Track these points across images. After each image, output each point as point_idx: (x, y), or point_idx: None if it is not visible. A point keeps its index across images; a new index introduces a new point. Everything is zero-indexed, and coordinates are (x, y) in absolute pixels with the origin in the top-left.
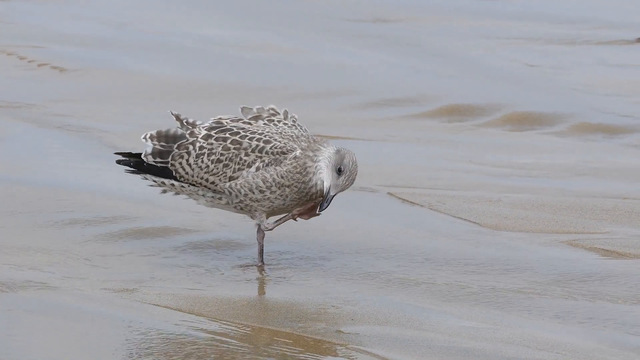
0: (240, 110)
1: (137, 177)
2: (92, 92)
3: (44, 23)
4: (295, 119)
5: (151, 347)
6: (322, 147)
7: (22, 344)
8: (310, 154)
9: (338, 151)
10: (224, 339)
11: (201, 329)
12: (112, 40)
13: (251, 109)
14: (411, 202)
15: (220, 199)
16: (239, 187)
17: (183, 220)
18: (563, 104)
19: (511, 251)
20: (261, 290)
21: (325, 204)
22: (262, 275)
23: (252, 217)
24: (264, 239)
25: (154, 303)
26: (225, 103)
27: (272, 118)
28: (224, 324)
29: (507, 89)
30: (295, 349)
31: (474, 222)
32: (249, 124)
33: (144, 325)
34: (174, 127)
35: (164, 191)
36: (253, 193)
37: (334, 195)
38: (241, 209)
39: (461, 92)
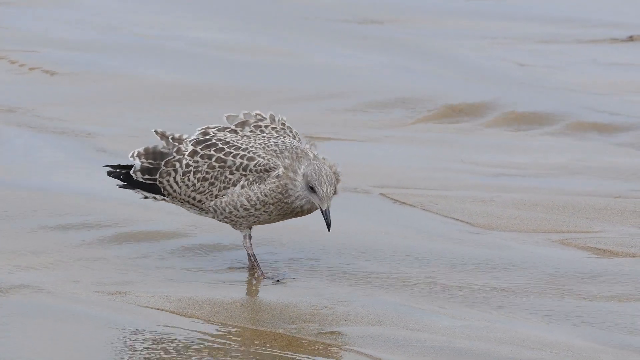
0: (225, 118)
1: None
2: (83, 96)
3: (35, 27)
4: (284, 121)
5: (145, 349)
6: (298, 171)
7: (15, 347)
8: (291, 174)
9: (304, 175)
10: (217, 340)
11: (195, 331)
12: (104, 44)
13: (237, 115)
14: (403, 203)
15: (206, 213)
16: (223, 205)
17: (175, 224)
18: (555, 104)
19: (503, 251)
20: (254, 292)
21: (327, 220)
22: (260, 278)
23: (233, 227)
24: (253, 247)
25: (148, 305)
26: (217, 106)
27: (259, 124)
28: (217, 325)
29: (499, 89)
30: (288, 351)
31: (466, 222)
32: (235, 132)
33: (138, 327)
34: (161, 143)
35: (155, 199)
36: (238, 211)
37: (326, 209)
38: (226, 222)
39: (453, 93)
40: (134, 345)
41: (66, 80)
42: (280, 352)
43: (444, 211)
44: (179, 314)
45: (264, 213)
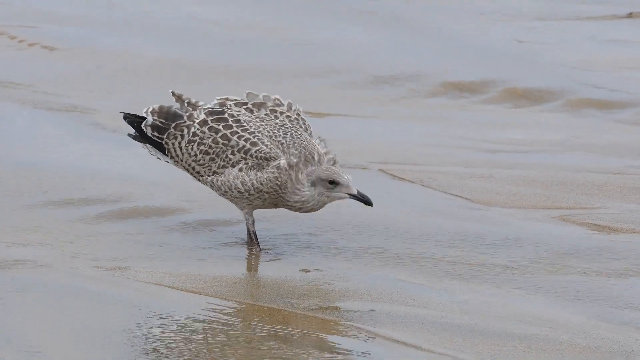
0: (245, 95)
1: (128, 155)
2: (82, 72)
3: (34, 3)
4: (300, 111)
5: (143, 323)
6: (302, 179)
7: (15, 322)
8: (292, 175)
9: (315, 180)
10: (217, 315)
11: (194, 306)
12: (102, 20)
13: (257, 95)
14: (402, 179)
15: (205, 184)
16: (219, 183)
17: (174, 200)
18: (555, 81)
19: (503, 227)
20: (254, 268)
21: (365, 198)
22: (258, 254)
23: (236, 206)
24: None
25: (147, 281)
26: (216, 82)
27: (276, 109)
28: (217, 300)
29: (498, 66)
30: (288, 326)
31: (466, 198)
32: (251, 112)
33: (137, 302)
34: (176, 104)
35: (159, 159)
36: (232, 192)
37: (357, 191)
38: (224, 198)
39: (453, 69)
40: (133, 319)
41: (65, 56)
42: (280, 327)
43: (443, 187)
44: (178, 289)
45: (257, 199)
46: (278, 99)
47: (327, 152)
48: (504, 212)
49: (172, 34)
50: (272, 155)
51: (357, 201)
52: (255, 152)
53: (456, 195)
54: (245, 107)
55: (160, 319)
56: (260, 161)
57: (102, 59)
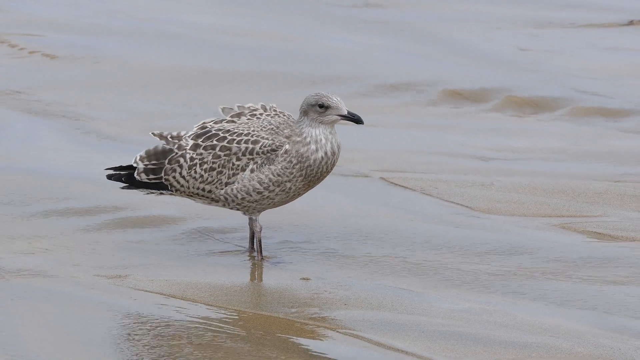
0: (220, 110)
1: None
2: (83, 80)
3: (35, 11)
4: (275, 108)
5: (144, 332)
6: (303, 127)
7: (15, 330)
8: (297, 138)
9: (305, 109)
10: (217, 324)
11: (194, 315)
12: (103, 28)
13: (231, 108)
14: (403, 187)
15: (217, 202)
16: (235, 192)
17: (174, 209)
18: (556, 89)
19: (503, 235)
20: (254, 276)
21: (356, 116)
22: (260, 263)
23: (244, 214)
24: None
25: (147, 289)
26: (216, 90)
27: (254, 112)
28: (216, 309)
29: (501, 74)
30: (288, 334)
31: (466, 207)
32: (233, 122)
33: (137, 310)
34: (161, 143)
35: (162, 194)
36: (250, 196)
37: (348, 111)
38: (238, 209)
39: (454, 77)
40: (134, 328)
41: (66, 64)
42: (280, 336)
43: (443, 195)
44: (178, 298)
45: (280, 193)
46: (252, 106)
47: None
48: (505, 220)
49: (172, 42)
50: (277, 144)
51: (348, 121)
52: (259, 148)
53: (457, 204)
54: (225, 121)
55: (160, 327)
56: (269, 154)
57: (103, 66)
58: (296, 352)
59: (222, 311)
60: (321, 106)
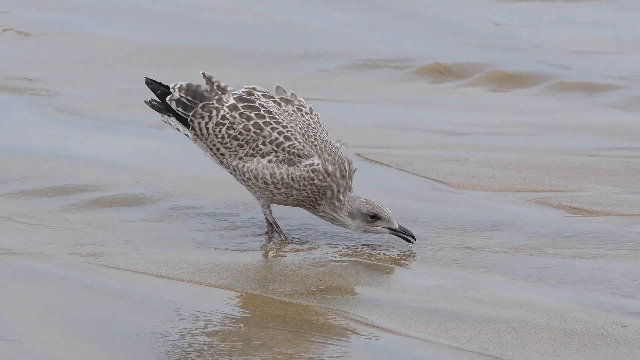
0: (274, 87)
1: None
2: (57, 57)
3: None
4: (319, 118)
5: (119, 309)
6: (344, 203)
7: None
8: (334, 187)
9: (355, 213)
10: (190, 300)
11: (167, 291)
12: (78, 5)
13: (285, 91)
14: (379, 162)
15: (227, 168)
16: (245, 169)
17: (151, 188)
18: (533, 64)
19: (478, 210)
20: (229, 254)
21: (409, 233)
22: (270, 244)
23: (253, 195)
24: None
25: (122, 267)
26: (197, 67)
27: (301, 108)
28: (191, 285)
29: (478, 50)
30: (263, 311)
31: (441, 182)
32: (279, 105)
33: (112, 287)
34: (204, 86)
35: (178, 130)
36: (257, 181)
37: (399, 226)
38: (242, 184)
39: (433, 53)
40: (110, 306)
41: (40, 41)
42: (255, 312)
43: (418, 170)
44: (153, 275)
45: (283, 194)
46: (302, 101)
47: (350, 161)
48: (479, 195)
49: (147, 19)
50: (305, 153)
51: (397, 236)
52: (288, 146)
53: (432, 179)
54: (272, 99)
55: (135, 304)
56: (292, 157)
57: (79, 44)
58: (270, 329)
59: (197, 288)
60: (372, 217)
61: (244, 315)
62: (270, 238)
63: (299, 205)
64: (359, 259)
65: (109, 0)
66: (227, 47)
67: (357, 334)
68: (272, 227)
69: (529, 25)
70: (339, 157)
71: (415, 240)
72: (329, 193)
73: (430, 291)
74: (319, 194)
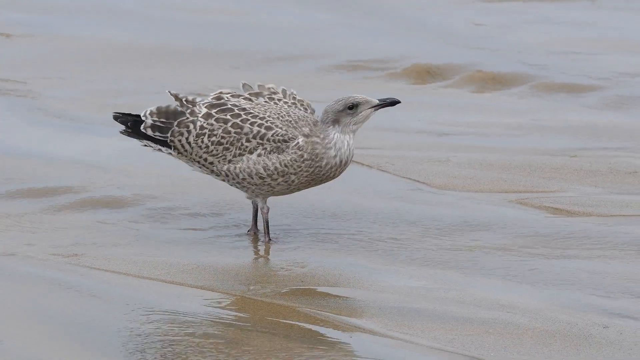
0: (240, 86)
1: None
2: (38, 58)
3: None
4: (295, 95)
5: (100, 309)
6: (330, 132)
7: None
8: (317, 139)
9: (330, 113)
10: (171, 301)
11: (149, 292)
12: (58, 5)
13: (251, 86)
14: (360, 163)
15: (218, 175)
16: (237, 171)
17: (132, 189)
18: (514, 64)
19: (460, 211)
20: (211, 255)
21: (391, 99)
22: (267, 245)
23: (247, 196)
24: (269, 212)
25: (103, 268)
26: (176, 67)
27: (273, 96)
28: (172, 286)
29: (460, 50)
30: (245, 312)
31: (423, 182)
32: (250, 100)
33: (93, 288)
34: (173, 103)
35: (160, 151)
36: (252, 178)
37: (378, 102)
38: (237, 187)
39: (414, 54)
40: (90, 306)
41: (20, 42)
42: (235, 314)
43: (400, 171)
44: (134, 276)
45: (282, 183)
46: (272, 88)
47: (309, 105)
48: (461, 196)
49: (128, 20)
50: (290, 136)
51: (383, 108)
52: (271, 135)
53: (413, 180)
54: (242, 97)
55: (116, 304)
56: (279, 144)
57: (59, 45)
58: (251, 330)
59: (178, 288)
60: (351, 107)
61: (224, 316)
62: (270, 239)
63: (309, 186)
64: (341, 260)
65: (90, 2)
66: (209, 47)
67: (338, 335)
68: (265, 226)
69: (509, 26)
70: (306, 114)
71: (399, 100)
72: (318, 148)
73: (412, 292)
74: (314, 161)
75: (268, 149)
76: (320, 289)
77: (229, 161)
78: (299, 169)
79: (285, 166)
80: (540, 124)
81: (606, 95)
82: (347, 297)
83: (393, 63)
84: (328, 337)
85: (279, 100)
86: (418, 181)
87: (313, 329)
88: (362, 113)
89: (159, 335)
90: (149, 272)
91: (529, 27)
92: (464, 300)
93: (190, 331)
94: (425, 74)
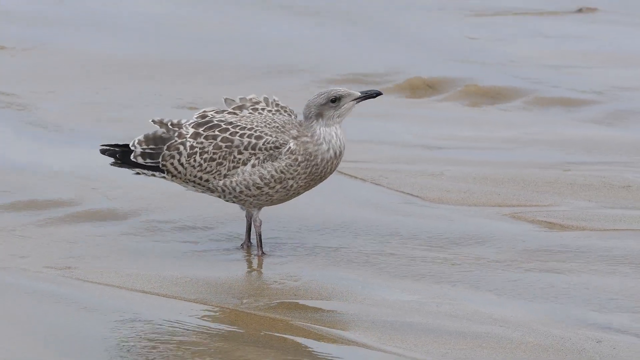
0: (223, 101)
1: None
2: (32, 70)
3: None
4: (278, 102)
5: (93, 322)
6: (316, 128)
7: None
8: (307, 138)
9: (313, 107)
10: (163, 314)
11: (142, 305)
12: (52, 18)
13: (234, 100)
14: (354, 177)
15: (213, 192)
16: (234, 185)
17: (125, 202)
18: (508, 78)
19: (453, 225)
20: (203, 268)
21: (372, 91)
22: (260, 259)
23: (243, 208)
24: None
25: (96, 281)
26: (168, 80)
27: (256, 107)
28: (165, 299)
29: (454, 64)
30: (238, 326)
31: (416, 196)
32: (235, 114)
33: (86, 301)
34: (160, 130)
35: (154, 176)
36: (249, 190)
37: (361, 95)
38: (234, 202)
39: (408, 68)
40: (83, 319)
41: (14, 55)
42: (228, 327)
43: (394, 185)
44: (127, 289)
45: (280, 190)
46: (254, 98)
47: (291, 111)
48: (454, 210)
49: (122, 33)
50: (281, 142)
51: (366, 100)
52: (263, 144)
53: (407, 193)
54: (227, 112)
55: (109, 317)
56: (272, 151)
57: (53, 57)
58: (244, 343)
59: (172, 302)
60: (333, 100)
61: (217, 329)
62: (263, 253)
63: (309, 188)
64: (334, 274)
65: (82, 14)
66: (199, 60)
67: (332, 349)
68: (258, 239)
69: (502, 39)
70: (290, 118)
71: (380, 92)
72: (310, 147)
73: (404, 306)
74: (309, 160)
75: (261, 158)
76: (313, 302)
77: (224, 175)
78: (296, 173)
79: (282, 172)
80: (534, 137)
81: (600, 109)
82: (340, 311)
83: (388, 77)
84: (321, 351)
85: (263, 109)
86: (411, 194)
87: (306, 342)
88: (345, 106)
89: (152, 349)
90: (142, 285)
91: (523, 41)
92: (457, 314)
93: (184, 345)
94: (420, 88)
